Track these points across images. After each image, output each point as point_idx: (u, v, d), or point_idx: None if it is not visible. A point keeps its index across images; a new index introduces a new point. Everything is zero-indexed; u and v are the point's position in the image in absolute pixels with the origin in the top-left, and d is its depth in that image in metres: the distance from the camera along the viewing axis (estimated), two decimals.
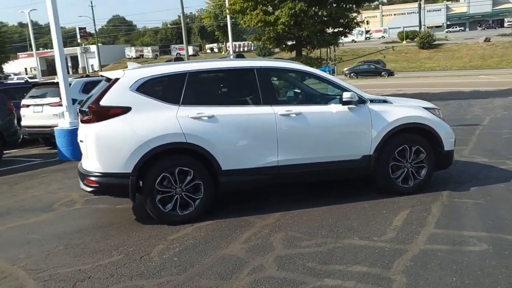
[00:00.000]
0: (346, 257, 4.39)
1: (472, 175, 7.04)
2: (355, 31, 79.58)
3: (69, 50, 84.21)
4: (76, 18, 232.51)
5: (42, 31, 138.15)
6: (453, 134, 6.50)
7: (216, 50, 75.57)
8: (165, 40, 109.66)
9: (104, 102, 5.42)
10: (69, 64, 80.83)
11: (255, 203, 6.27)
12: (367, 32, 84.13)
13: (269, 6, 21.01)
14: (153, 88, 5.55)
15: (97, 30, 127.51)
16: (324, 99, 6.27)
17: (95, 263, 4.57)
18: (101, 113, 5.38)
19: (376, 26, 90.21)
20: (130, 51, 75.49)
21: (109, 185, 5.41)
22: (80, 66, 75.98)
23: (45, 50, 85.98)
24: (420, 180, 6.23)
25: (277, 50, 24.52)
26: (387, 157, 6.07)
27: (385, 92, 20.96)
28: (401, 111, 6.17)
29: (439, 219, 5.26)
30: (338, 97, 6.04)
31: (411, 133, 6.20)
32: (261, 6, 20.43)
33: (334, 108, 5.93)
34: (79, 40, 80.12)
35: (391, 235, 4.88)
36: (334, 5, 20.77)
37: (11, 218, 6.25)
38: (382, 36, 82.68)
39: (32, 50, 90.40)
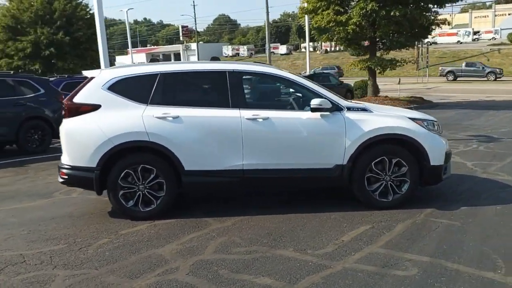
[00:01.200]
0: (263, 267, 4.28)
1: (476, 193, 6.46)
2: (461, 32, 75.11)
3: (173, 48, 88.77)
4: (183, 16, 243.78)
5: (154, 28, 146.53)
6: (445, 148, 6.00)
7: (311, 49, 75.18)
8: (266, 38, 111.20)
9: (77, 99, 5.75)
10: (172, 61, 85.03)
11: (226, 205, 6.32)
12: (475, 33, 78.63)
13: (344, 6, 20.58)
14: (124, 88, 5.76)
15: (204, 29, 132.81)
16: (302, 104, 6.08)
17: (38, 250, 4.89)
18: (72, 109, 5.71)
19: (487, 27, 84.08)
20: (227, 49, 77.64)
21: (76, 177, 5.73)
22: None
23: (152, 47, 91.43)
24: (400, 195, 5.85)
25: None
26: (363, 168, 5.76)
27: None
28: (380, 120, 5.82)
29: (394, 238, 4.91)
30: None
31: (391, 144, 5.84)
32: (333, 5, 20.06)
33: (305, 114, 5.75)
34: (181, 38, 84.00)
35: (328, 249, 4.66)
36: (413, 5, 19.75)
37: (11, 201, 6.85)
38: (493, 38, 76.76)
39: (139, 46, 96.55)
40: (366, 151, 5.77)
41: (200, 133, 5.65)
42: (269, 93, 6.47)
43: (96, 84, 5.77)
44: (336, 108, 5.77)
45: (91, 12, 39.27)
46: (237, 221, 5.59)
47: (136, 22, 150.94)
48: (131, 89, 5.79)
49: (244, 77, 5.90)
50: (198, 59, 71.80)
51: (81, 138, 5.64)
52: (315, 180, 5.90)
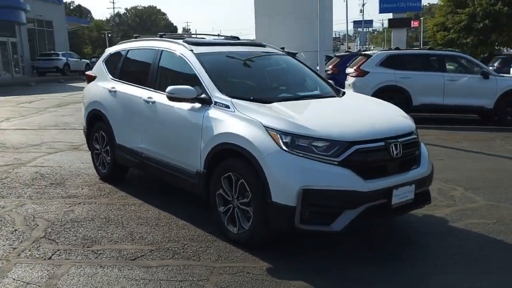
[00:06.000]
0: None
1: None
2: None
3: None
4: None
5: None
6: (305, 184, 3.75)
7: None
8: None
9: (92, 70, 6.94)
10: None
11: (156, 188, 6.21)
12: None
13: None
14: (110, 62, 6.48)
15: None
16: None
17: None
18: (87, 78, 6.93)
19: None
20: None
21: (84, 133, 6.96)
22: None
23: None
24: (244, 231, 4.23)
25: None
26: (216, 181, 4.47)
27: None
28: (227, 124, 4.28)
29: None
30: None
31: (235, 158, 4.24)
32: None
33: (177, 103, 4.88)
34: None
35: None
36: None
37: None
38: None
39: None
40: (220, 160, 4.43)
41: (124, 109, 5.82)
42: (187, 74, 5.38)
43: (102, 58, 6.76)
44: (203, 100, 4.64)
45: None
46: (121, 204, 5.45)
47: None
48: (112, 63, 6.46)
49: (165, 56, 5.47)
50: None
51: (83, 103, 6.84)
52: (185, 184, 4.97)
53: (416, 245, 4.44)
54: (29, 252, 4.17)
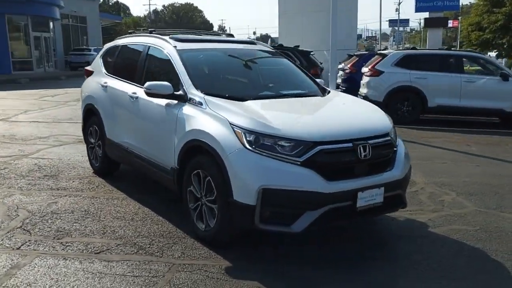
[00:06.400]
0: None
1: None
2: None
3: None
4: None
5: None
6: (263, 184, 3.70)
7: None
8: None
9: (91, 65, 7.04)
10: None
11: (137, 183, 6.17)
12: None
13: None
14: (107, 57, 6.57)
15: None
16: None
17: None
18: (85, 73, 7.03)
19: None
20: None
21: (82, 127, 7.06)
22: None
23: None
24: (210, 228, 4.21)
25: None
26: (187, 177, 4.46)
27: None
28: (197, 120, 4.27)
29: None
30: None
31: (203, 155, 4.22)
32: None
33: (157, 99, 4.90)
34: None
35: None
36: None
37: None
38: None
39: None
40: (191, 157, 4.42)
41: (113, 104, 5.88)
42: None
43: (99, 54, 6.85)
44: (180, 96, 4.63)
45: None
46: (105, 198, 5.55)
47: None
48: (108, 58, 6.54)
49: (151, 52, 5.50)
50: None
51: (81, 96, 6.95)
52: (163, 179, 4.97)
53: (388, 248, 4.34)
54: (1, 242, 4.26)
